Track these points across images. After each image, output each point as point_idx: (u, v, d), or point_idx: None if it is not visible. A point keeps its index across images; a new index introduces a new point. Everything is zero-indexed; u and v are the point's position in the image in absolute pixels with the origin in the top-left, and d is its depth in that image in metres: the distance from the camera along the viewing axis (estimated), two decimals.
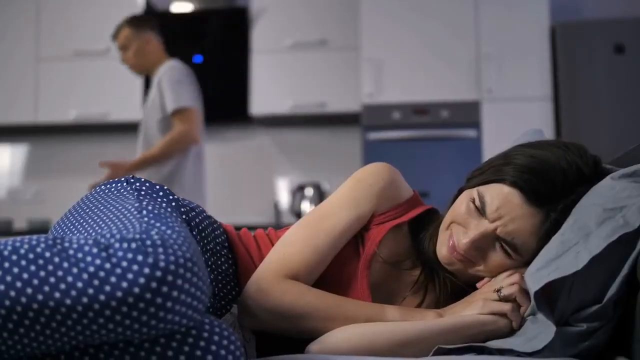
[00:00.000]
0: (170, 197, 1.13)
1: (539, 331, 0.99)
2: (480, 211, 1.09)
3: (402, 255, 1.19)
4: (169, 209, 1.03)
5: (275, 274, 1.09)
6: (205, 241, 1.16)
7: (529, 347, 0.99)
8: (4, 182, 4.80)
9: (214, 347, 0.83)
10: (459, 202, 1.14)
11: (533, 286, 0.97)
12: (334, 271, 1.14)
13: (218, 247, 1.19)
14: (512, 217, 1.06)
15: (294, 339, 1.08)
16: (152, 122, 3.22)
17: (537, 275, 0.98)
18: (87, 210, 1.08)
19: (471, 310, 1.06)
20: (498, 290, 1.06)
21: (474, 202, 1.10)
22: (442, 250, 1.13)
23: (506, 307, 1.04)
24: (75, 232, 1.04)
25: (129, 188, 1.12)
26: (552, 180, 1.06)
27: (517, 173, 1.07)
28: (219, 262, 1.18)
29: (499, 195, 1.08)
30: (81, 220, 1.06)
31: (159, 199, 1.09)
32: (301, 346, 1.06)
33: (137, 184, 1.14)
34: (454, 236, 1.12)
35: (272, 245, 1.22)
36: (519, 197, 1.06)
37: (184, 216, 1.13)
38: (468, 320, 1.05)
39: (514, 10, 3.94)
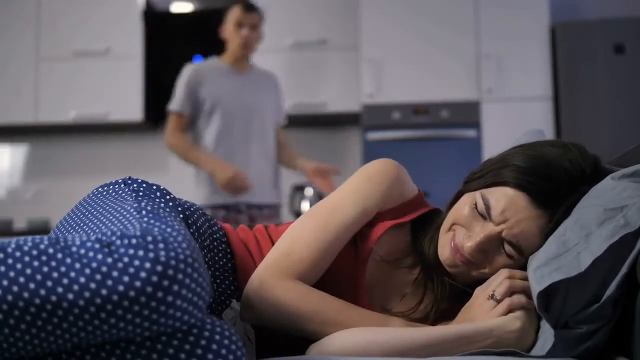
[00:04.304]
0: (168, 197, 1.13)
1: (541, 335, 0.99)
2: (485, 214, 1.08)
3: (401, 253, 1.19)
4: (167, 209, 1.04)
5: (281, 270, 1.08)
6: (202, 238, 1.17)
7: (532, 351, 0.98)
8: (4, 182, 4.80)
9: (215, 346, 0.83)
10: (460, 204, 1.13)
11: (537, 287, 0.96)
12: (331, 267, 1.14)
13: (215, 243, 1.20)
14: (518, 220, 1.05)
15: (296, 339, 1.07)
16: (270, 123, 3.30)
17: (539, 274, 0.98)
18: (87, 212, 1.09)
19: None
20: (492, 297, 1.04)
21: (477, 205, 1.09)
22: (445, 252, 1.12)
23: (506, 303, 1.02)
24: (75, 233, 1.04)
25: (126, 189, 1.13)
26: (556, 180, 1.05)
27: (520, 175, 1.06)
28: (216, 258, 1.18)
29: (504, 198, 1.07)
30: (80, 223, 1.06)
31: (157, 199, 1.09)
32: (303, 345, 1.05)
33: (135, 185, 1.14)
34: (456, 238, 1.11)
35: (272, 241, 1.22)
36: (525, 199, 1.05)
37: (181, 215, 1.14)
38: (473, 329, 1.01)
39: (514, 10, 3.95)
